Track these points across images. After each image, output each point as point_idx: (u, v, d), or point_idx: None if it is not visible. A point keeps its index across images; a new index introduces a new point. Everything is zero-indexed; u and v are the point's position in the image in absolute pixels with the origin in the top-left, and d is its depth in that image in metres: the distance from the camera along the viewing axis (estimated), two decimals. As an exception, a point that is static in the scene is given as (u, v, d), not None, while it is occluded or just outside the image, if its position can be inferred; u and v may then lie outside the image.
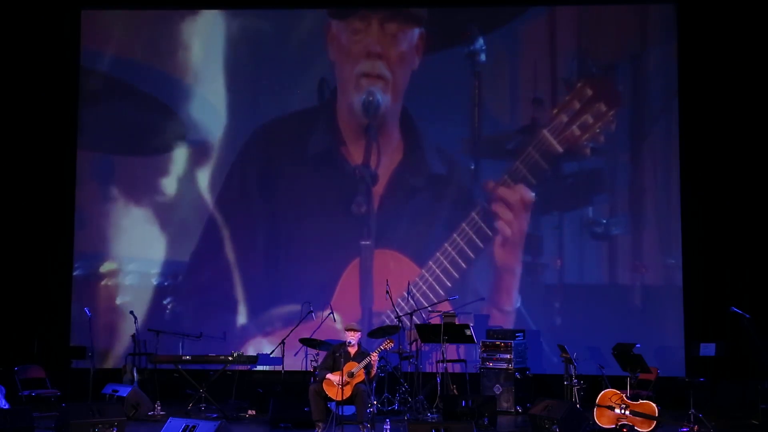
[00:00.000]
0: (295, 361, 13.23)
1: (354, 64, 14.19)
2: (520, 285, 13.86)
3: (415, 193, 14.10)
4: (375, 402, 11.24)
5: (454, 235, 13.94)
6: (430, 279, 13.89)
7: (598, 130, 13.88)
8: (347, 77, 14.25)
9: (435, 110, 14.10)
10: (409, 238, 14.05)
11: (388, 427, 10.50)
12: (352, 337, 11.12)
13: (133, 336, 13.30)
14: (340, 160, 14.21)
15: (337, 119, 14.27)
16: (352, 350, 11.11)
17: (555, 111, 13.97)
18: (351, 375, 10.79)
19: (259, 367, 13.46)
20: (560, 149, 13.90)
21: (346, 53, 14.25)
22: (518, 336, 13.01)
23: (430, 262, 13.93)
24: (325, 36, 14.30)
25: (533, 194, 13.88)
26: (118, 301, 14.28)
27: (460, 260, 13.88)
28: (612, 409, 11.11)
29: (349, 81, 14.23)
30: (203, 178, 14.36)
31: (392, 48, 14.18)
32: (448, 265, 13.87)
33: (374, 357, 10.91)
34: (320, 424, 10.86)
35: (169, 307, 14.22)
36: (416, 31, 14.18)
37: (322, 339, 12.75)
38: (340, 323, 13.16)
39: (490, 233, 13.91)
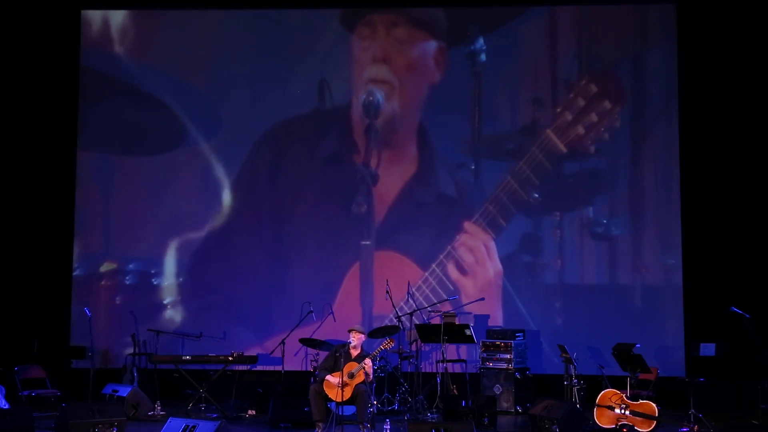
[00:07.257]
0: (295, 361, 13.24)
1: (362, 69, 14.20)
2: (519, 292, 13.85)
3: (423, 207, 14.04)
4: (375, 402, 11.24)
5: (449, 246, 13.95)
6: (433, 282, 13.91)
7: (603, 129, 13.87)
8: (357, 80, 14.25)
9: (434, 110, 14.09)
10: (412, 246, 14.01)
11: (388, 427, 10.51)
12: (355, 339, 11.10)
13: (133, 336, 13.31)
14: (348, 163, 14.24)
15: (351, 123, 14.27)
16: (354, 352, 11.08)
17: (558, 109, 13.97)
18: (351, 376, 10.77)
19: (259, 367, 13.45)
20: (564, 149, 13.89)
21: (356, 58, 14.24)
22: (518, 336, 13.01)
23: (434, 265, 13.93)
24: (341, 39, 14.29)
25: (494, 243, 13.85)
26: (117, 301, 14.28)
27: (456, 269, 13.92)
28: (612, 409, 11.11)
29: (359, 85, 14.23)
30: (203, 178, 14.35)
31: (400, 54, 14.12)
32: (442, 275, 13.89)
33: (368, 364, 10.85)
34: (320, 424, 10.84)
35: (169, 307, 14.23)
36: (433, 44, 14.11)
37: (323, 339, 12.76)
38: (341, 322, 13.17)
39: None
